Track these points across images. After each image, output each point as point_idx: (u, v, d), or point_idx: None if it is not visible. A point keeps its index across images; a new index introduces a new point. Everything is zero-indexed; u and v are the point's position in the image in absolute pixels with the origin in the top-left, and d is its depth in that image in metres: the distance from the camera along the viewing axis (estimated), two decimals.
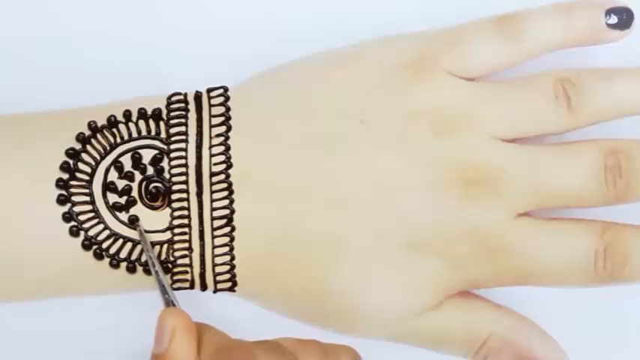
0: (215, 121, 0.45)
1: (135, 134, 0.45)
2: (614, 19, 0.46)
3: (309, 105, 0.46)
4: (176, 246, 0.45)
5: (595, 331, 0.50)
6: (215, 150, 0.45)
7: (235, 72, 0.47)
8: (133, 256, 0.45)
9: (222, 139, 0.45)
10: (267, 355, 0.42)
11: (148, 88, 0.47)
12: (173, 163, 0.45)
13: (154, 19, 0.50)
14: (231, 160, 0.45)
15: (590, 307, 0.50)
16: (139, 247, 0.45)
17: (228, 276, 0.45)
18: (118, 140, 0.45)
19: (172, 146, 0.45)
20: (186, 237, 0.45)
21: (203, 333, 0.42)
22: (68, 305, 0.48)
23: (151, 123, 0.45)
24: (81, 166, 0.45)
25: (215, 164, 0.45)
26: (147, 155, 0.45)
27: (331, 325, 0.46)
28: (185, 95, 0.46)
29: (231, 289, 0.45)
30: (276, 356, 0.42)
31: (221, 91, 0.46)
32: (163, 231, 0.45)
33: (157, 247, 0.45)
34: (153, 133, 0.45)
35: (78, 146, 0.45)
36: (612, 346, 0.51)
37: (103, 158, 0.45)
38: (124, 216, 0.45)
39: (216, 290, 0.45)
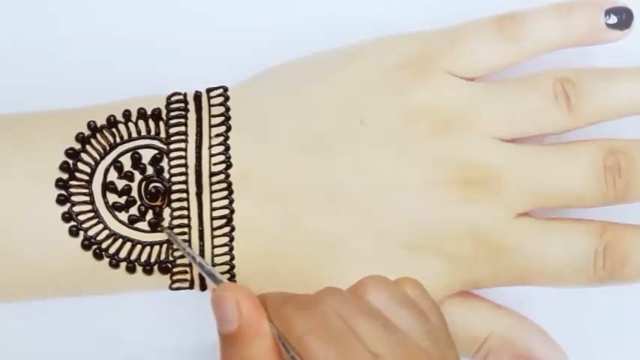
0: (215, 121, 0.45)
1: (134, 134, 0.45)
2: (613, 19, 0.46)
3: (308, 105, 0.46)
4: (176, 246, 0.45)
5: (595, 331, 0.50)
6: (215, 150, 0.45)
7: (235, 72, 0.47)
8: (133, 256, 0.45)
9: (221, 139, 0.45)
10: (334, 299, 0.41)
11: (148, 88, 0.47)
12: (173, 163, 0.45)
13: (154, 19, 0.50)
14: (231, 160, 0.45)
15: (590, 307, 0.50)
16: (138, 247, 0.45)
17: (227, 276, 0.45)
18: (118, 140, 0.45)
19: (172, 146, 0.45)
20: (186, 237, 0.45)
21: (265, 299, 0.42)
22: (68, 305, 0.48)
23: (151, 123, 0.45)
24: (80, 166, 0.45)
25: (215, 164, 0.45)
26: (146, 155, 0.45)
27: None
28: (185, 95, 0.46)
29: None
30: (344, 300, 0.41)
31: (221, 91, 0.46)
32: (163, 231, 0.45)
33: (157, 247, 0.45)
34: (152, 133, 0.45)
35: (77, 146, 0.45)
36: (612, 346, 0.51)
37: (102, 158, 0.45)
38: (123, 216, 0.45)
39: None
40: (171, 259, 0.45)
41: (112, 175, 0.45)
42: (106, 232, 0.45)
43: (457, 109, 0.46)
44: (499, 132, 0.46)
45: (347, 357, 0.39)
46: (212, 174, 0.45)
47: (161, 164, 0.45)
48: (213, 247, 0.45)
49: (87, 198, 0.45)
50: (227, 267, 0.45)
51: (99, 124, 0.45)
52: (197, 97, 0.46)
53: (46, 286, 0.45)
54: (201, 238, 0.45)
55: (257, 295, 0.42)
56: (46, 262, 0.44)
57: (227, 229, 0.45)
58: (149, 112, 0.45)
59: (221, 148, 0.45)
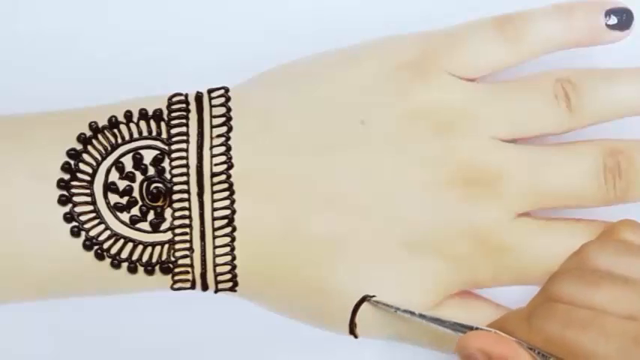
0: (216, 121, 0.45)
1: (136, 135, 0.45)
2: (613, 20, 0.46)
3: (309, 105, 0.46)
4: (177, 246, 0.45)
5: None
6: (216, 150, 0.45)
7: (236, 72, 0.47)
8: (134, 257, 0.45)
9: (223, 139, 0.45)
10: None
11: (150, 88, 0.47)
12: (174, 163, 0.45)
13: (155, 19, 0.50)
14: (232, 161, 0.45)
15: None
16: (139, 248, 0.45)
17: (229, 276, 0.45)
18: (119, 141, 0.45)
19: (173, 147, 0.45)
20: (188, 237, 0.45)
21: (504, 324, 0.42)
22: (69, 305, 0.48)
23: (152, 123, 0.45)
24: (82, 166, 0.45)
25: (216, 164, 0.45)
26: (148, 156, 0.45)
27: (331, 325, 0.46)
28: (186, 96, 0.46)
29: (232, 289, 0.45)
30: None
31: (222, 91, 0.46)
32: (164, 231, 0.45)
33: (158, 248, 0.45)
34: (154, 133, 0.45)
35: (79, 147, 0.45)
36: None
37: (104, 159, 0.45)
38: (125, 216, 0.45)
39: (217, 290, 0.45)
40: (172, 259, 0.45)
41: (114, 176, 0.45)
42: (108, 232, 0.45)
43: (457, 109, 0.46)
44: (499, 132, 0.46)
45: (606, 335, 0.40)
46: (213, 174, 0.45)
47: (162, 165, 0.45)
48: (215, 247, 0.45)
49: (88, 198, 0.45)
50: (229, 267, 0.45)
51: (100, 125, 0.45)
52: (198, 97, 0.46)
53: (47, 287, 0.45)
54: (202, 238, 0.45)
55: (492, 324, 0.43)
56: (47, 263, 0.44)
57: (228, 230, 0.45)
58: (150, 113, 0.45)
59: (222, 149, 0.45)
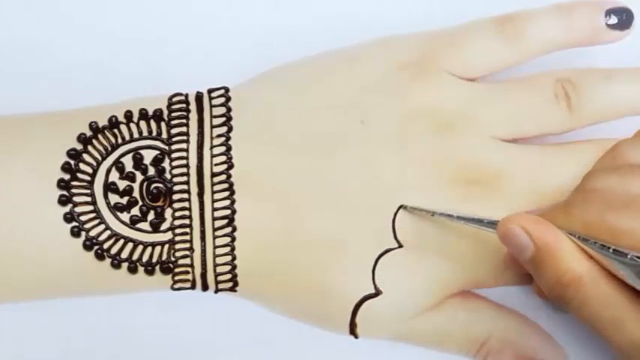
0: (216, 121, 0.45)
1: (136, 135, 0.45)
2: (614, 20, 0.46)
3: (310, 105, 0.46)
4: (177, 246, 0.45)
5: None
6: (216, 150, 0.45)
7: (237, 73, 0.47)
8: (134, 257, 0.45)
9: (223, 139, 0.45)
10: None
11: (150, 88, 0.47)
12: (174, 163, 0.45)
13: (156, 20, 0.50)
14: (232, 161, 0.45)
15: None
16: (140, 248, 0.45)
17: (229, 276, 0.45)
18: (119, 141, 0.45)
19: (173, 147, 0.45)
20: (188, 237, 0.45)
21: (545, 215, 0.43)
22: (69, 305, 0.48)
23: (152, 123, 0.45)
24: (82, 166, 0.45)
25: (216, 164, 0.45)
26: (148, 156, 0.45)
27: (331, 325, 0.46)
28: (186, 96, 0.46)
29: (232, 289, 0.45)
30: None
31: (222, 91, 0.46)
32: (164, 231, 0.45)
33: (159, 248, 0.45)
34: (154, 133, 0.45)
35: (79, 147, 0.45)
36: None
37: (104, 159, 0.45)
38: (125, 216, 0.45)
39: (217, 290, 0.46)
40: (172, 259, 0.45)
41: (114, 176, 0.45)
42: (108, 232, 0.45)
43: (457, 109, 0.46)
44: (499, 132, 0.46)
45: None
46: (213, 174, 0.45)
47: (163, 165, 0.45)
48: (215, 247, 0.45)
49: (88, 199, 0.45)
50: (229, 267, 0.45)
51: (100, 125, 0.45)
52: (198, 97, 0.46)
53: (47, 287, 0.45)
54: (202, 238, 0.45)
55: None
56: (47, 263, 0.44)
57: (228, 230, 0.45)
58: (150, 113, 0.45)
59: (222, 149, 0.45)
